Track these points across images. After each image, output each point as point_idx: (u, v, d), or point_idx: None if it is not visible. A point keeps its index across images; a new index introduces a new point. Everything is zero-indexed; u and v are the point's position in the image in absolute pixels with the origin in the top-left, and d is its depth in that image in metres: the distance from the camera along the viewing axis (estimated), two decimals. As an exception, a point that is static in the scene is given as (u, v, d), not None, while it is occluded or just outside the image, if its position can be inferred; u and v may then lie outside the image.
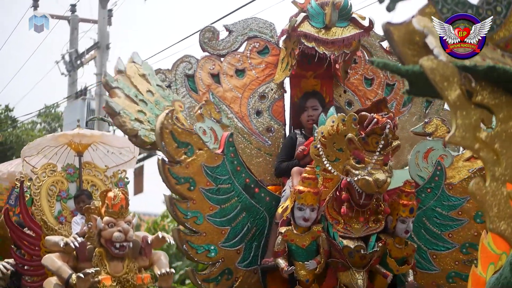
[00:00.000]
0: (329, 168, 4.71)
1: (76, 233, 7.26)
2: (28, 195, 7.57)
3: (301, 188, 4.69)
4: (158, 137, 4.61)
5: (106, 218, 6.42)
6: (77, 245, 6.44)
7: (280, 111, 5.63)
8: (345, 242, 4.65)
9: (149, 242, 6.68)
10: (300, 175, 4.90)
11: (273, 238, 4.93)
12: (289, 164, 5.27)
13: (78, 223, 7.34)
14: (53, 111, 22.75)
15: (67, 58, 18.62)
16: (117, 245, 6.40)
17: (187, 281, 13.96)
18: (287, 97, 5.68)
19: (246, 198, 4.93)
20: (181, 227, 4.77)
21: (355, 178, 4.52)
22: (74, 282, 6.26)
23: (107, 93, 5.27)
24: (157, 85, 5.28)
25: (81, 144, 7.70)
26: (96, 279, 6.29)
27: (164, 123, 4.61)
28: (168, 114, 4.63)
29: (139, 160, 15.60)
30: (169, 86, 5.42)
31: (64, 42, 20.56)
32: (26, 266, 7.46)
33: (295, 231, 4.75)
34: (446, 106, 5.72)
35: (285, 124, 5.65)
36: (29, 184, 7.51)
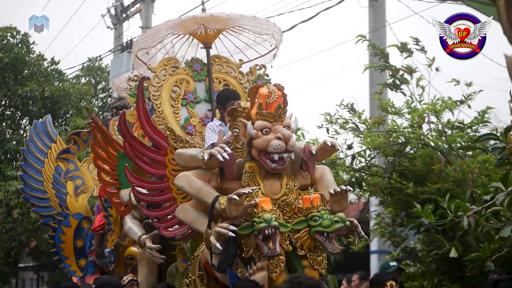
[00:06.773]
0: None
1: (212, 144, 5.54)
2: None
3: None
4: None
5: (259, 122, 4.78)
6: (227, 157, 4.71)
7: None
8: None
9: (314, 152, 4.98)
10: None
11: None
12: None
13: (214, 131, 5.61)
14: (96, 64, 22.48)
15: (112, 11, 18.85)
16: (276, 156, 4.78)
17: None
18: None
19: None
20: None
21: None
22: (222, 206, 4.59)
23: None
24: None
25: (211, 31, 5.91)
26: (253, 202, 4.60)
27: None
28: None
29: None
30: None
31: (109, -5, 20.50)
32: (145, 190, 5.72)
33: None
34: None
35: None
36: (146, 85, 5.74)
